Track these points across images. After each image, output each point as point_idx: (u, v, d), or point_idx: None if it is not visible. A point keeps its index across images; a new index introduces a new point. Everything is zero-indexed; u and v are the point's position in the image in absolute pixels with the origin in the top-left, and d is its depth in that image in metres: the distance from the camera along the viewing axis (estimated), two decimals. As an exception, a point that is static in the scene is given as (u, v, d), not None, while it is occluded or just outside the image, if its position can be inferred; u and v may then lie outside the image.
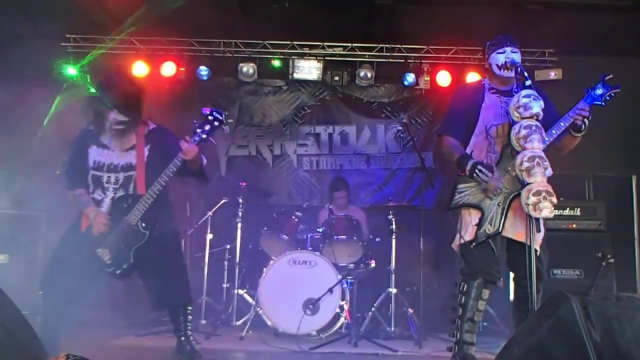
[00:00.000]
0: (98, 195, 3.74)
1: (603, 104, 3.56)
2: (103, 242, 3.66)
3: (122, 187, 3.74)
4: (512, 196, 3.49)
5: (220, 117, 3.68)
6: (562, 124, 3.53)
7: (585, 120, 3.48)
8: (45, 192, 5.01)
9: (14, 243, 5.45)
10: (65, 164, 3.88)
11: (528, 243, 3.21)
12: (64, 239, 3.80)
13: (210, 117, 3.67)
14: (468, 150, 3.69)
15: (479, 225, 3.55)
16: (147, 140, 3.82)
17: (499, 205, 3.52)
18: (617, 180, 6.10)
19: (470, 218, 3.60)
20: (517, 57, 3.62)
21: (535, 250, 3.26)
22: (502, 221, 3.50)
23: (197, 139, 3.63)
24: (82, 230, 3.70)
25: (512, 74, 3.55)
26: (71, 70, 6.93)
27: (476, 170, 3.48)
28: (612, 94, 3.57)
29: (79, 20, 6.29)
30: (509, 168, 3.50)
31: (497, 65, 3.65)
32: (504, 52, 3.64)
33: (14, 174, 5.65)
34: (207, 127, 3.66)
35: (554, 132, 3.52)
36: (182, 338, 3.84)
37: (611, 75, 3.57)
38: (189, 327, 3.90)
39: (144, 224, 3.66)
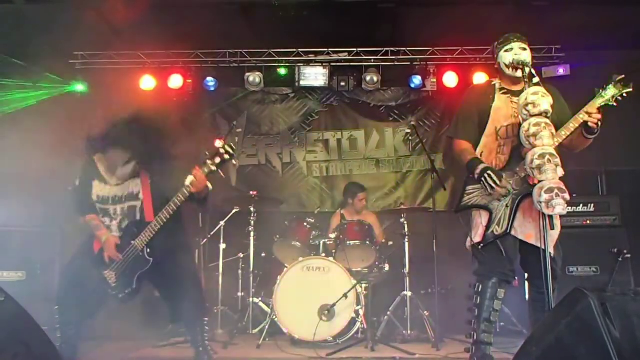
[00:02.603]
0: (106, 222, 3.84)
1: (614, 104, 3.50)
2: (111, 265, 3.75)
3: (128, 217, 3.81)
4: (520, 197, 3.48)
5: (232, 152, 3.66)
6: (571, 125, 3.50)
7: (598, 122, 3.45)
8: (60, 208, 5.04)
9: (31, 260, 5.50)
10: (74, 191, 3.94)
11: (540, 243, 3.20)
12: (77, 256, 3.90)
13: (221, 150, 3.65)
14: (478, 151, 3.68)
15: (487, 226, 3.54)
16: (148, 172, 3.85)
17: (507, 206, 3.51)
18: (630, 175, 6.07)
19: (481, 219, 3.60)
20: (526, 55, 3.59)
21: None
22: (510, 222, 3.49)
23: (206, 170, 3.63)
24: (94, 251, 3.76)
25: (520, 74, 3.50)
26: (80, 87, 7.03)
27: (485, 175, 3.47)
28: (624, 94, 3.50)
29: (87, 36, 6.34)
30: (518, 169, 3.49)
31: (506, 64, 3.63)
32: (511, 49, 3.61)
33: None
34: (218, 160, 3.64)
35: (563, 133, 3.48)
36: (200, 349, 3.87)
37: (623, 76, 3.51)
38: (206, 338, 3.94)
39: (149, 250, 3.71)
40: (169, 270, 3.73)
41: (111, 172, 3.82)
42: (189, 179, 3.59)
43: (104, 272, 3.75)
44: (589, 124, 3.44)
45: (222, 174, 3.71)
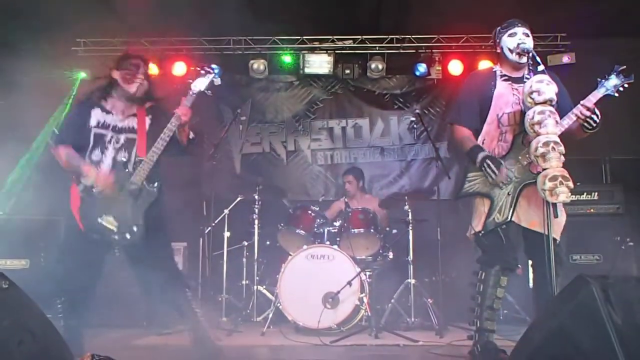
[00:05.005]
0: (96, 156, 3.69)
1: (615, 94, 3.48)
2: (103, 212, 3.59)
3: (124, 148, 3.72)
4: (522, 185, 3.48)
5: (212, 71, 3.83)
6: (573, 114, 3.48)
7: (594, 117, 3.40)
8: (64, 196, 5.05)
9: (34, 248, 5.52)
10: (63, 121, 3.91)
11: (544, 230, 3.19)
12: (65, 242, 3.84)
13: (202, 72, 3.83)
14: (480, 139, 3.67)
15: (488, 214, 3.54)
16: (148, 111, 3.86)
17: (508, 194, 3.51)
18: (634, 163, 6.03)
19: (483, 207, 3.60)
20: (529, 42, 3.56)
21: (554, 239, 3.21)
22: (512, 210, 3.48)
23: (192, 96, 3.79)
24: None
25: (524, 60, 3.50)
26: (82, 75, 7.03)
27: (485, 164, 3.47)
28: (626, 85, 3.48)
29: (89, 23, 6.33)
30: (520, 157, 3.48)
31: (509, 49, 3.59)
32: (515, 34, 3.58)
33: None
34: (200, 84, 3.82)
35: (565, 122, 3.46)
36: (196, 325, 3.75)
37: (625, 67, 3.48)
38: (198, 312, 3.79)
39: (150, 184, 3.66)
40: (143, 249, 3.63)
41: (116, 109, 3.81)
42: (178, 110, 3.68)
43: (98, 220, 3.58)
44: (583, 119, 3.41)
45: (210, 93, 3.90)
